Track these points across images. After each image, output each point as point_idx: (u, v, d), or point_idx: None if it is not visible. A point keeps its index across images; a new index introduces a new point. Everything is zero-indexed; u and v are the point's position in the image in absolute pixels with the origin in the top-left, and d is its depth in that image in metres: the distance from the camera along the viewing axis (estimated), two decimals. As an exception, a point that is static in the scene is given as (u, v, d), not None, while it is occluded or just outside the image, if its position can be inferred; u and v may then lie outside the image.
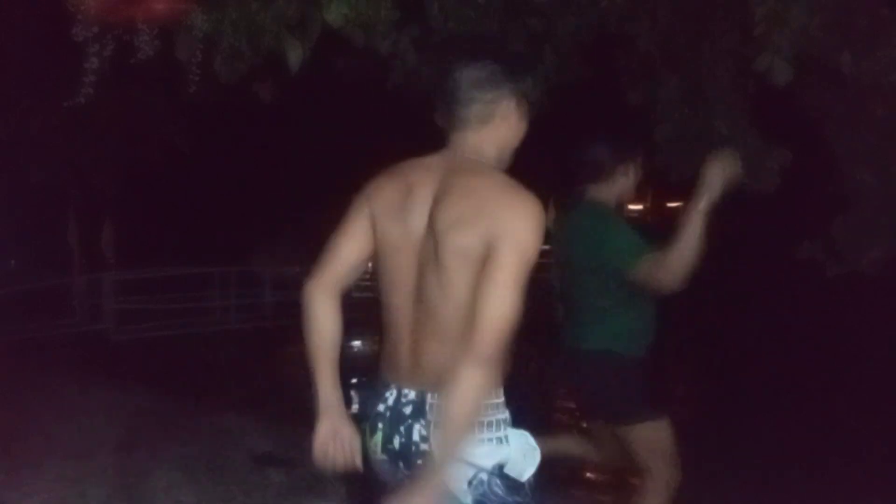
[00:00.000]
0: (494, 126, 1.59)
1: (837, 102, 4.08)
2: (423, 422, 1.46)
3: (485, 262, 1.39)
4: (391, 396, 1.52)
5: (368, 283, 1.73)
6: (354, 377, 2.65)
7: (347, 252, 1.61)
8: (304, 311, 1.60)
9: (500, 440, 1.46)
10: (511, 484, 1.45)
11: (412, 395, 1.49)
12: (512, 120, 1.62)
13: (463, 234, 1.42)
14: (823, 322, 11.22)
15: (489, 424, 1.45)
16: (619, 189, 2.89)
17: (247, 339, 12.76)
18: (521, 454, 1.47)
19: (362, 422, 1.57)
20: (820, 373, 8.89)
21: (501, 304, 1.36)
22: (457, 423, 1.33)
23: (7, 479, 3.96)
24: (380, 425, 1.52)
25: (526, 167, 1.92)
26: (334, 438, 1.56)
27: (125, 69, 3.59)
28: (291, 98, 4.96)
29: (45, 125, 9.67)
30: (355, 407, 2.46)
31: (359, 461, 1.58)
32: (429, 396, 1.46)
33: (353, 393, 2.62)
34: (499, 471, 1.45)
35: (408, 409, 1.48)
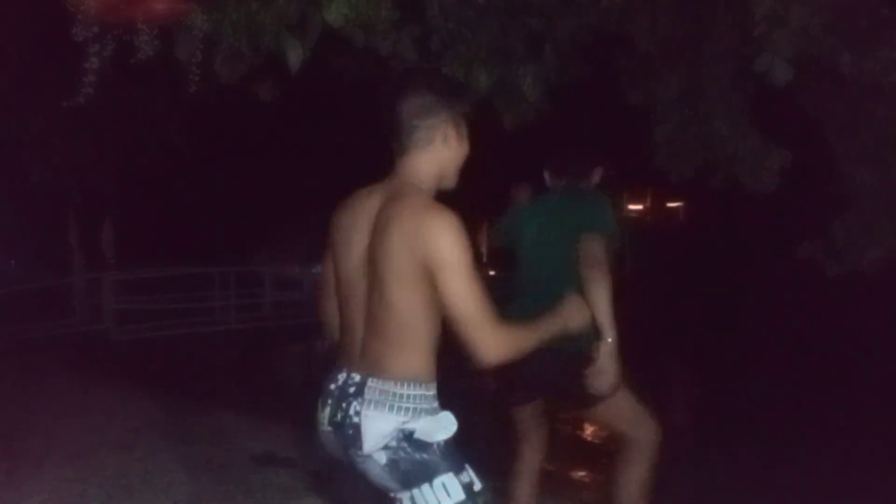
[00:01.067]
0: (435, 150, 1.78)
1: (837, 102, 4.09)
2: (360, 400, 1.69)
3: (427, 279, 1.64)
4: (341, 378, 1.76)
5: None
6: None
7: (328, 276, 1.95)
8: (323, 322, 2.03)
9: (415, 420, 1.68)
10: (419, 443, 1.67)
11: (357, 378, 1.73)
12: (452, 142, 1.79)
13: (398, 260, 1.65)
14: (823, 322, 11.23)
15: (411, 409, 1.68)
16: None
17: (247, 339, 12.77)
18: (433, 425, 1.69)
19: (318, 398, 1.81)
20: (820, 372, 8.89)
21: (466, 302, 1.62)
22: (517, 348, 1.70)
23: (7, 479, 3.96)
24: (329, 401, 1.76)
25: (528, 166, 1.94)
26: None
27: (125, 69, 3.59)
28: (291, 98, 4.95)
29: (45, 125, 9.67)
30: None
31: None
32: (369, 380, 1.70)
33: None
34: (407, 436, 1.67)
35: (352, 389, 1.72)
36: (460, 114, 1.80)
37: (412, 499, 1.68)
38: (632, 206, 27.76)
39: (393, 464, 1.67)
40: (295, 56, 3.36)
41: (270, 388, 8.57)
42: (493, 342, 1.63)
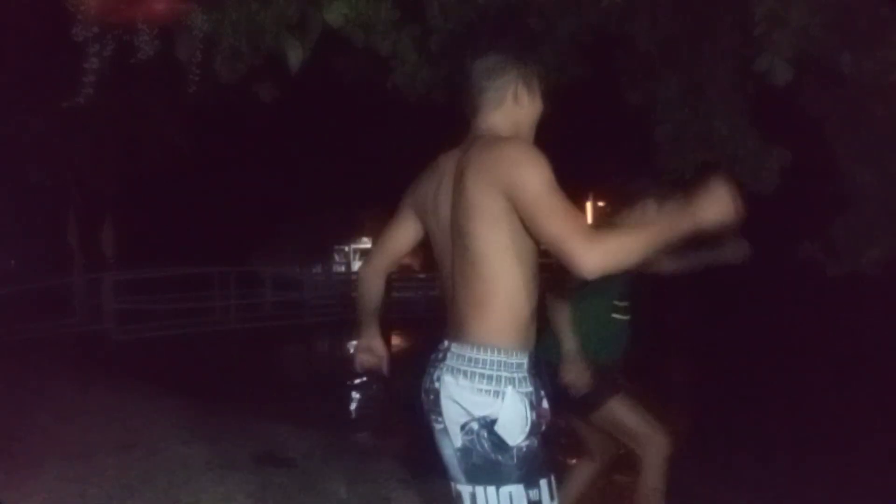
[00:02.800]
0: (507, 109, 1.76)
1: (837, 102, 4.08)
2: (441, 366, 1.67)
3: (512, 215, 1.55)
4: (441, 346, 1.73)
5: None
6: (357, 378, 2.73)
7: (390, 244, 1.97)
8: (358, 285, 2.07)
9: (495, 394, 1.58)
10: (498, 441, 1.56)
11: (445, 343, 1.70)
12: (523, 101, 1.77)
13: (480, 200, 1.57)
14: (823, 322, 11.22)
15: (489, 378, 1.59)
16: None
17: (247, 339, 12.77)
18: (515, 418, 1.57)
19: None
20: (820, 372, 8.89)
21: (555, 215, 1.49)
22: (636, 253, 1.50)
23: (7, 479, 3.96)
24: (428, 369, 1.74)
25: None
26: (367, 350, 2.05)
27: (125, 69, 3.59)
28: (291, 98, 4.95)
29: (45, 125, 9.66)
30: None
31: (386, 368, 2.04)
32: (451, 346, 1.66)
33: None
34: (488, 424, 1.57)
35: (440, 356, 1.70)
36: (530, 72, 1.78)
37: (473, 496, 1.60)
38: (632, 206, 27.73)
39: (466, 451, 1.59)
40: (295, 56, 3.36)
41: (270, 388, 8.56)
42: (590, 251, 1.44)
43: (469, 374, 1.59)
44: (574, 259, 1.44)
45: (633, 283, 3.03)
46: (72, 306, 13.06)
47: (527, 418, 1.58)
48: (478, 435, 1.57)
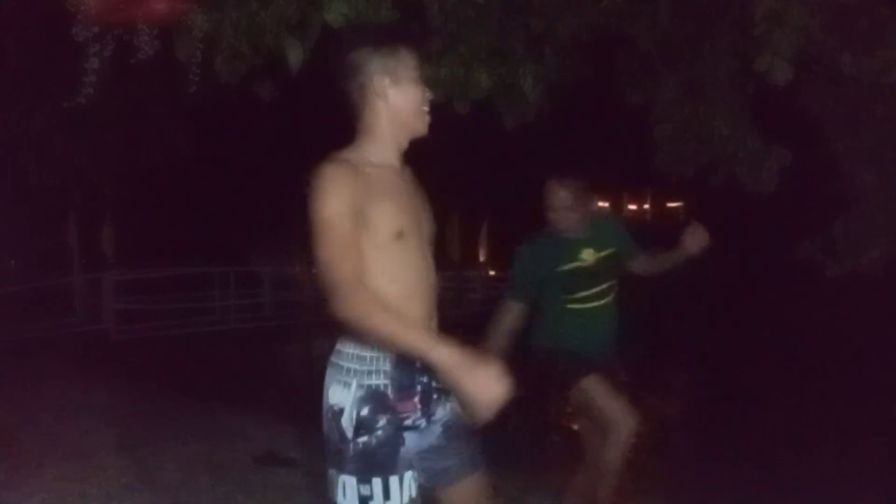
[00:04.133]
0: (375, 106, 1.71)
1: (837, 102, 4.08)
2: None
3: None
4: None
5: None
6: None
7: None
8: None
9: (345, 384, 1.69)
10: (342, 432, 1.67)
11: None
12: (389, 93, 1.69)
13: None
14: (823, 322, 11.22)
15: (344, 370, 1.68)
16: None
17: (247, 339, 12.76)
18: (352, 412, 1.66)
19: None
20: (820, 372, 8.89)
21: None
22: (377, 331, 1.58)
23: (7, 479, 3.96)
24: None
25: (528, 167, 1.94)
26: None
27: (125, 69, 3.59)
28: (291, 98, 4.95)
29: (45, 125, 9.66)
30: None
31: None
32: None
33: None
34: (337, 415, 1.67)
35: None
36: (393, 60, 1.70)
37: (327, 475, 1.71)
38: (631, 206, 27.77)
39: (326, 437, 1.71)
40: (295, 56, 3.36)
41: (270, 387, 8.55)
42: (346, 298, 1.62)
43: (333, 365, 1.69)
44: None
45: (596, 278, 3.18)
46: (72, 306, 13.06)
47: (355, 414, 1.63)
48: (331, 423, 1.66)
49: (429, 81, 4.01)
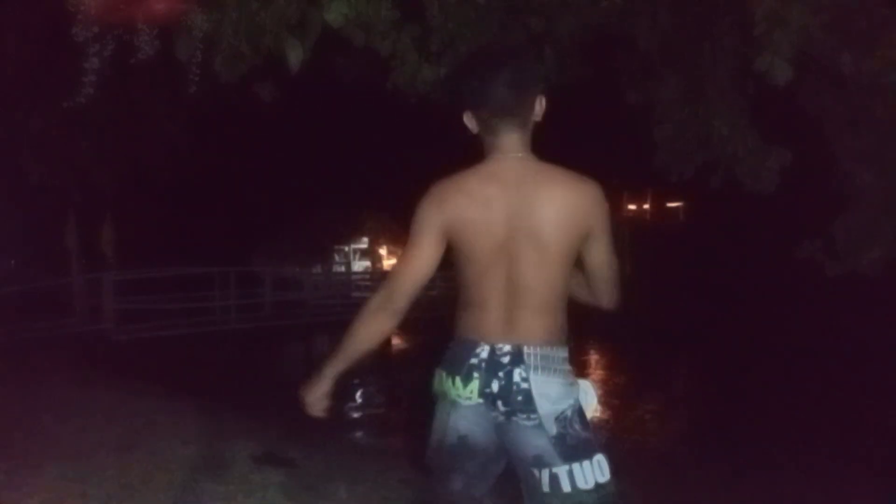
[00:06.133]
0: (531, 123, 1.89)
1: (837, 102, 4.08)
2: (522, 367, 1.79)
3: (584, 245, 1.84)
4: (483, 351, 1.82)
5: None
6: (356, 378, 2.73)
7: (426, 272, 1.86)
8: (363, 320, 1.89)
9: (573, 384, 1.84)
10: (584, 422, 1.83)
11: (507, 347, 1.80)
12: (540, 111, 1.90)
13: (561, 229, 1.80)
14: (823, 322, 11.22)
15: (567, 371, 1.83)
16: None
17: (247, 339, 12.76)
18: (586, 398, 1.87)
19: (447, 377, 1.85)
20: (820, 372, 8.89)
21: (614, 262, 1.92)
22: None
23: (7, 479, 3.96)
24: (475, 374, 1.81)
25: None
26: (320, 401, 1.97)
27: (125, 69, 3.59)
28: (291, 98, 4.95)
29: (45, 125, 9.66)
30: (359, 398, 2.62)
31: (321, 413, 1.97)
32: (525, 348, 1.79)
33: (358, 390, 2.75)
34: (578, 409, 1.82)
35: (505, 359, 1.80)
36: (544, 87, 1.93)
37: (570, 472, 1.78)
38: (631, 206, 27.77)
39: (561, 437, 1.78)
40: (295, 56, 3.36)
41: (270, 388, 8.55)
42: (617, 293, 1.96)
43: (557, 371, 1.81)
44: (614, 298, 1.98)
45: None
46: (72, 306, 13.06)
47: (594, 396, 1.91)
48: (571, 420, 1.79)
49: (429, 81, 4.02)
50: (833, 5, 3.45)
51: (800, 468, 5.46)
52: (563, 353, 1.83)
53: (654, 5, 4.05)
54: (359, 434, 7.14)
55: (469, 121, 1.89)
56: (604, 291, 1.94)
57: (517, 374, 1.78)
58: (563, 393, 1.79)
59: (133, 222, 16.03)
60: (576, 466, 1.77)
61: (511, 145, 1.85)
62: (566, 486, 1.76)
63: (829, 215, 4.24)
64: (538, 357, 1.79)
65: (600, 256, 1.88)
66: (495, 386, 1.78)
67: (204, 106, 7.10)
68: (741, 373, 9.70)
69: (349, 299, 18.48)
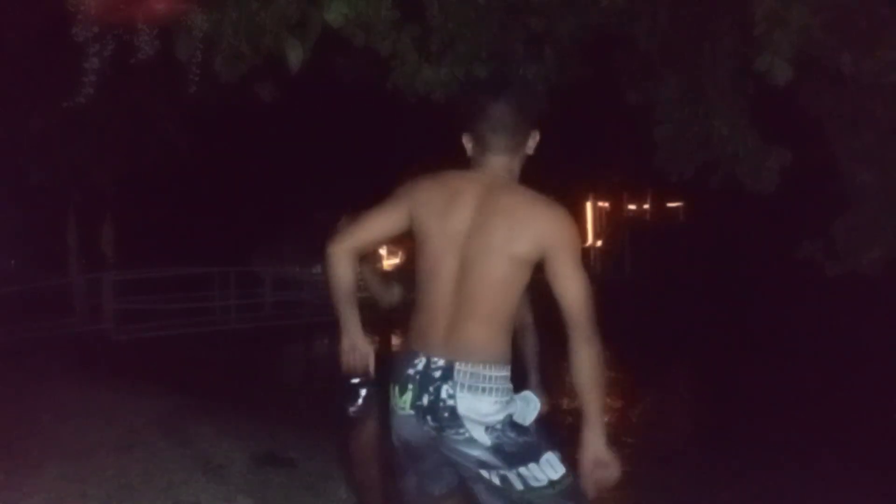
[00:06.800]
0: (522, 153, 1.93)
1: (837, 102, 4.08)
2: (450, 383, 1.78)
3: (544, 263, 1.79)
4: (420, 363, 1.82)
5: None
6: (357, 378, 2.76)
7: (375, 229, 1.94)
8: (328, 267, 1.95)
9: (508, 401, 1.81)
10: (519, 429, 1.80)
11: (441, 362, 1.80)
12: (532, 145, 1.95)
13: (519, 245, 1.78)
14: (823, 322, 11.22)
15: (501, 390, 1.80)
16: None
17: (247, 339, 12.76)
18: (523, 406, 1.82)
19: (391, 383, 1.87)
20: (820, 372, 8.89)
21: (579, 287, 1.78)
22: (597, 385, 1.80)
23: (7, 479, 3.96)
24: (409, 386, 1.82)
25: (527, 166, 1.97)
26: (353, 350, 1.97)
27: (125, 69, 3.59)
28: (291, 98, 4.95)
29: (45, 125, 9.65)
30: (359, 402, 2.79)
31: (372, 367, 1.99)
32: (457, 364, 1.78)
33: (361, 390, 2.79)
34: (509, 419, 1.79)
35: (437, 374, 1.79)
36: (538, 124, 1.95)
37: (519, 475, 1.79)
38: (631, 206, 27.75)
39: (498, 447, 1.78)
40: (295, 56, 3.36)
41: (270, 388, 8.55)
42: (590, 351, 1.79)
43: (488, 390, 1.78)
44: (583, 336, 1.78)
45: None
46: (72, 306, 13.05)
47: (533, 401, 1.84)
48: (503, 432, 1.78)
49: (429, 81, 4.02)
50: (833, 5, 3.45)
51: (800, 468, 5.45)
52: (499, 371, 1.80)
53: (654, 5, 4.05)
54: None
55: (467, 143, 1.94)
56: (571, 327, 1.78)
57: (444, 390, 1.78)
58: (492, 410, 1.78)
59: (133, 222, 16.02)
60: (523, 469, 1.78)
61: (497, 167, 1.89)
62: (518, 486, 1.79)
63: (829, 215, 4.23)
64: (468, 375, 1.77)
65: (558, 281, 1.78)
66: (425, 400, 1.79)
67: (204, 106, 7.09)
68: (741, 373, 9.70)
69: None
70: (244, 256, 17.40)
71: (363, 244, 1.97)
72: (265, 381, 9.02)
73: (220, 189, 19.66)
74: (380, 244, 2.04)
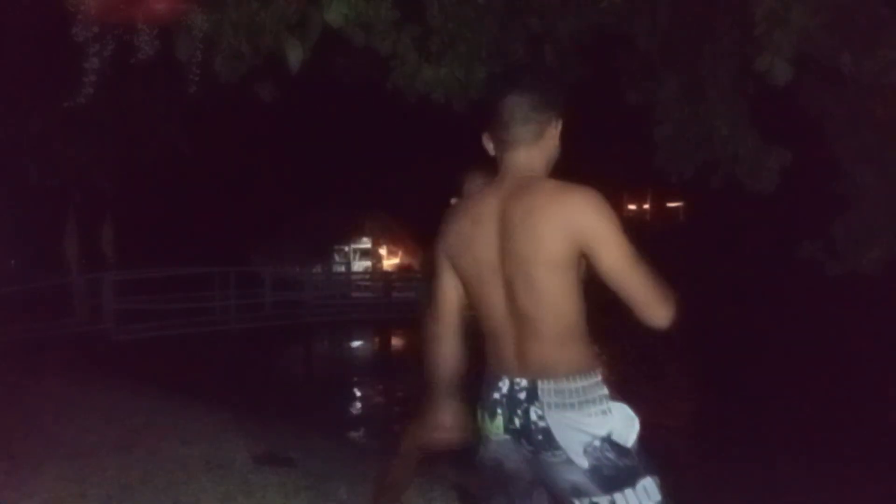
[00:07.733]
0: (543, 144, 1.83)
1: (837, 102, 4.08)
2: (536, 404, 1.71)
3: (577, 258, 1.68)
4: (504, 386, 1.76)
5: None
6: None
7: (451, 300, 1.88)
8: (432, 348, 1.89)
9: (604, 412, 1.71)
10: (620, 450, 1.70)
11: (524, 382, 1.73)
12: (556, 139, 1.86)
13: (548, 249, 1.67)
14: (823, 321, 11.22)
15: (594, 400, 1.71)
16: None
17: (247, 339, 12.76)
18: (623, 424, 1.73)
19: (479, 409, 1.83)
20: (820, 372, 8.89)
21: (634, 273, 1.66)
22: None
23: (7, 479, 3.96)
24: (498, 410, 1.77)
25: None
26: (440, 427, 1.90)
27: (125, 69, 3.59)
28: (291, 98, 4.96)
29: (45, 125, 9.65)
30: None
31: (461, 443, 1.90)
32: (539, 383, 1.71)
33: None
34: (609, 438, 1.70)
35: (522, 395, 1.73)
36: (562, 113, 1.86)
37: (613, 502, 1.70)
38: (631, 206, 27.76)
39: (596, 469, 1.69)
40: (295, 56, 3.36)
41: (270, 388, 8.56)
42: (664, 304, 1.69)
43: (577, 405, 1.70)
44: (651, 310, 1.67)
45: None
46: (72, 306, 13.05)
47: (632, 417, 1.74)
48: (601, 450, 1.69)
49: (429, 81, 4.02)
50: (833, 5, 3.45)
51: (800, 468, 5.45)
52: (586, 381, 1.71)
53: (654, 5, 4.06)
54: (359, 434, 7.15)
55: (487, 143, 1.88)
56: (635, 307, 1.67)
57: (533, 412, 1.71)
58: (588, 424, 1.69)
59: (133, 222, 16.02)
60: (618, 496, 1.69)
61: (517, 164, 1.81)
62: None
63: (829, 215, 4.23)
64: (552, 392, 1.69)
65: (608, 265, 1.65)
66: (517, 422, 1.73)
67: (204, 106, 7.10)
68: (741, 373, 9.70)
69: (349, 299, 18.50)
70: (244, 256, 17.41)
71: (457, 318, 1.89)
72: (265, 381, 9.02)
73: (220, 189, 19.68)
74: (464, 307, 1.90)
